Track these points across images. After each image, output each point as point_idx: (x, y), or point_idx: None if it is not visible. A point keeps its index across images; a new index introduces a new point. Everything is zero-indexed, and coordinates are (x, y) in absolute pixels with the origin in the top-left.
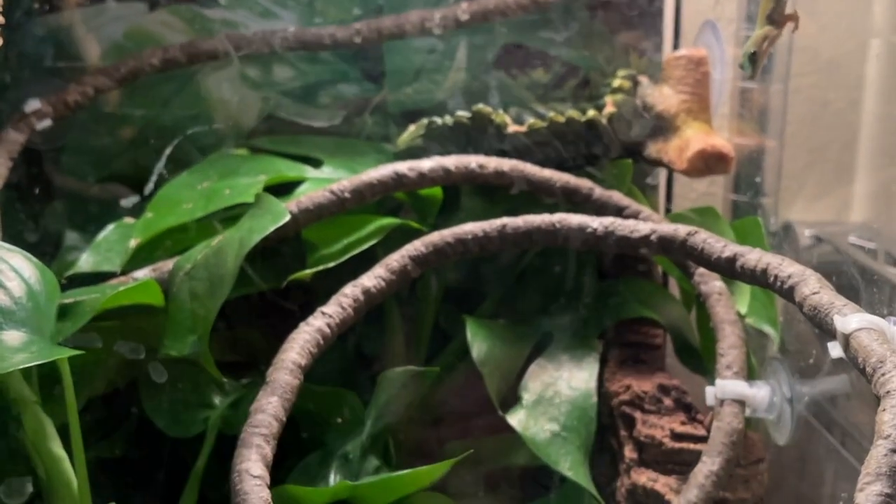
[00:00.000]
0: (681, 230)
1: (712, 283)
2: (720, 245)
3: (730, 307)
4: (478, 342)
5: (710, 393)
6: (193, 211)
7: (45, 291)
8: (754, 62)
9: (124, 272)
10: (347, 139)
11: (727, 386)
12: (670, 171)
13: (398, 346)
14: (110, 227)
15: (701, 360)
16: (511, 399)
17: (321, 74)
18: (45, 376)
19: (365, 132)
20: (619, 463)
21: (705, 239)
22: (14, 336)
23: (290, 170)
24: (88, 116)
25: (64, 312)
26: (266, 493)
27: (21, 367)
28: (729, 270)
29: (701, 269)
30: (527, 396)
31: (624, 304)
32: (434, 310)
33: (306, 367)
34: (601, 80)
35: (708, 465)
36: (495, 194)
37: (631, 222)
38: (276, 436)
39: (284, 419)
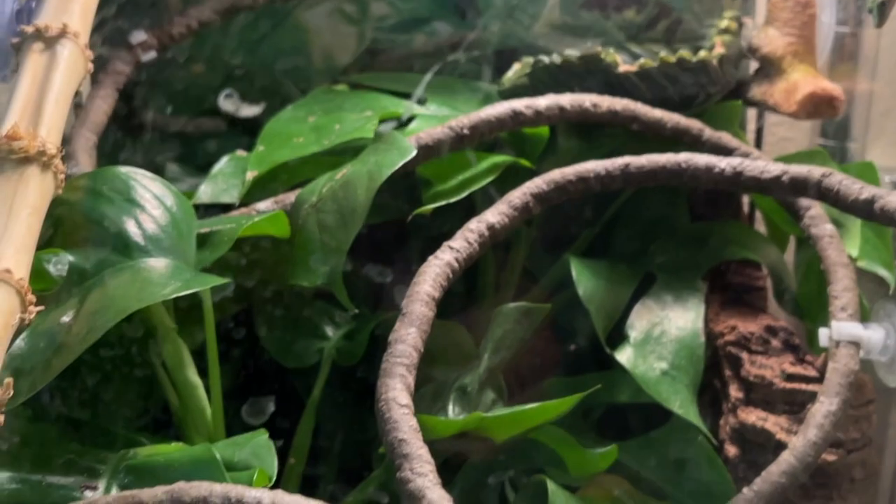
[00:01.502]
0: (815, 171)
1: (823, 227)
2: (857, 186)
3: (841, 250)
4: (583, 280)
5: (824, 334)
6: (306, 145)
7: (185, 220)
8: (882, 11)
9: (243, 204)
10: (442, 77)
11: (843, 327)
12: (761, 115)
13: (488, 286)
14: (224, 159)
15: (798, 304)
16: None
17: (417, 11)
18: (176, 305)
19: (458, 70)
20: (722, 403)
21: (841, 180)
22: (162, 264)
23: (396, 106)
24: (186, 49)
25: (201, 242)
26: (414, 421)
27: (173, 295)
28: (866, 212)
29: (812, 212)
30: (634, 334)
31: (723, 245)
32: (525, 250)
33: (438, 299)
34: (694, 21)
35: (826, 406)
36: (592, 135)
37: (760, 163)
38: (416, 366)
39: (422, 349)
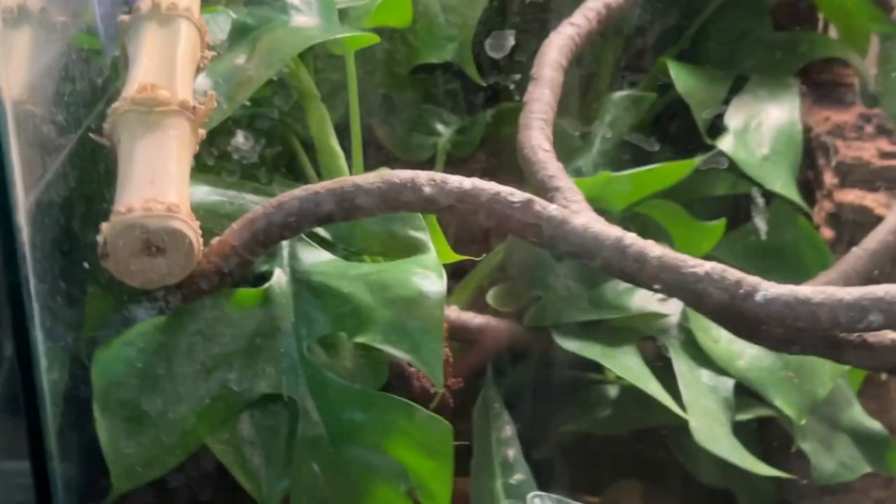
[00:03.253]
0: None
1: None
2: None
3: None
4: (681, 78)
5: None
6: None
7: None
8: None
9: None
10: None
11: None
12: None
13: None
14: None
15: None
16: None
17: None
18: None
19: None
20: (816, 192)
21: None
22: (316, 20)
23: None
24: None
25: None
26: (559, 164)
27: (336, 36)
28: None
29: None
30: (733, 125)
31: (810, 48)
32: (616, 52)
33: (565, 67)
34: None
35: None
36: None
37: None
38: (551, 122)
39: (556, 109)
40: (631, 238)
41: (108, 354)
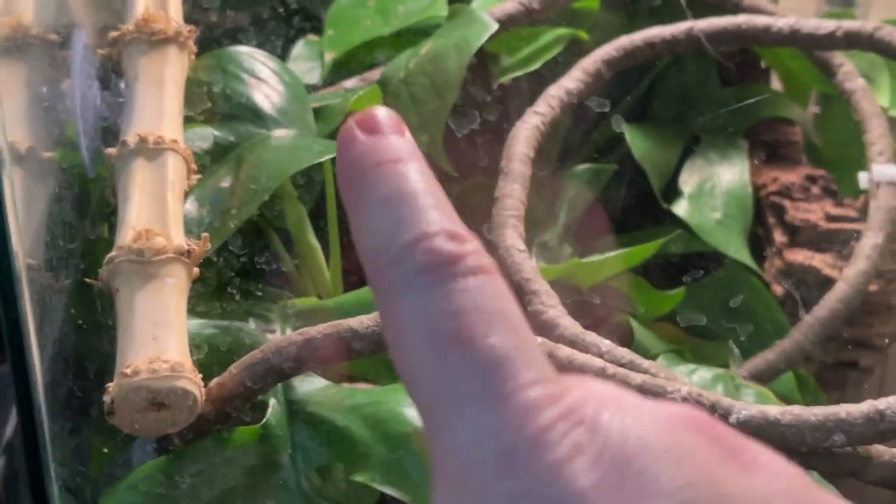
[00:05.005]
0: (867, 25)
1: (856, 81)
2: None
3: (874, 101)
4: (637, 142)
5: (864, 178)
6: (375, 27)
7: (302, 94)
8: None
9: (325, 84)
10: None
11: (883, 169)
12: None
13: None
14: (300, 43)
15: (824, 156)
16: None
17: None
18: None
19: None
20: (767, 249)
21: (892, 31)
22: (293, 133)
23: None
24: None
25: (315, 116)
26: (533, 264)
27: (323, 158)
28: None
29: (845, 69)
30: (687, 189)
31: (756, 106)
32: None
33: (533, 159)
34: None
35: (872, 239)
36: (632, 8)
37: (813, 21)
38: (523, 218)
39: (525, 203)
40: (613, 368)
41: (113, 500)
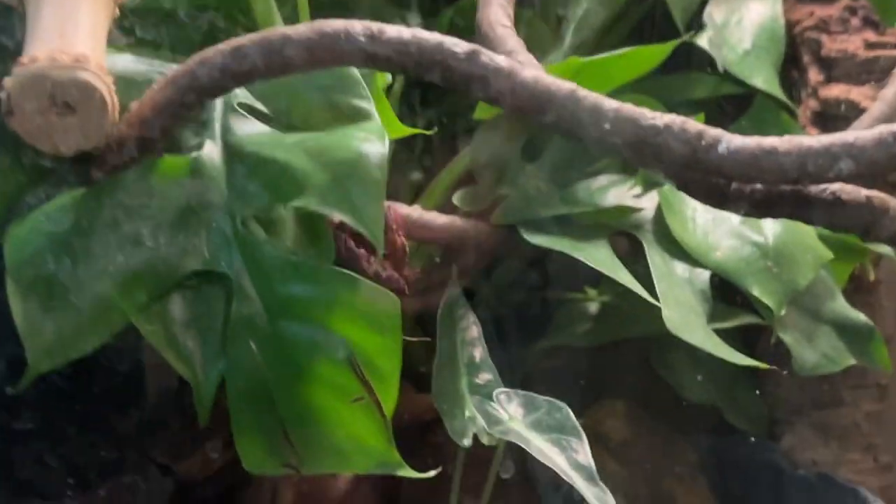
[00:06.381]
0: None
1: None
2: None
3: None
4: None
5: None
6: None
7: None
8: None
9: None
10: None
11: None
12: None
13: None
14: None
15: None
16: None
17: None
18: None
19: None
20: (800, 90)
21: None
22: None
23: None
24: None
25: None
26: (519, 40)
27: None
28: None
29: None
30: (712, 21)
31: None
32: None
33: None
34: None
35: None
36: None
37: None
38: (512, 4)
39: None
40: (585, 91)
41: (23, 229)
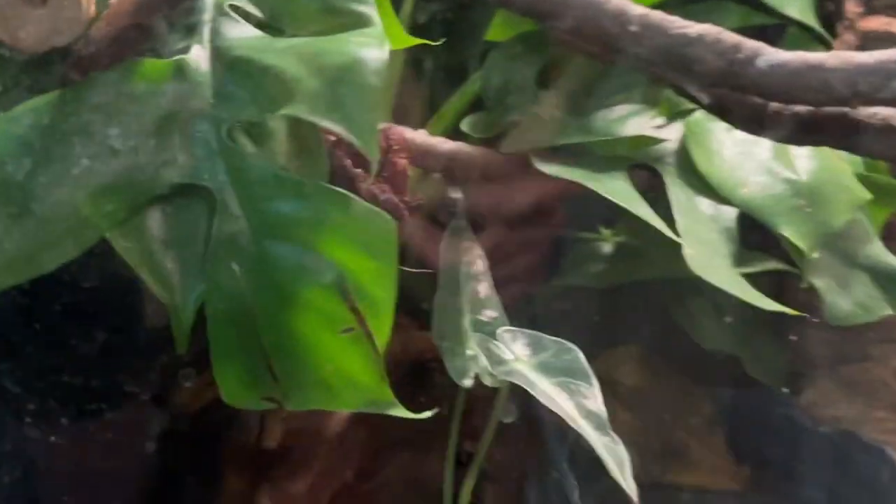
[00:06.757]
0: None
1: None
2: None
3: None
4: None
5: None
6: None
7: None
8: None
9: None
10: None
11: None
12: None
13: None
14: None
15: None
16: None
17: None
18: None
19: None
20: (837, 25)
21: None
22: None
23: None
24: None
25: None
26: None
27: None
28: None
29: None
30: None
31: None
32: None
33: None
34: None
35: None
36: None
37: None
38: None
39: None
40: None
41: None
